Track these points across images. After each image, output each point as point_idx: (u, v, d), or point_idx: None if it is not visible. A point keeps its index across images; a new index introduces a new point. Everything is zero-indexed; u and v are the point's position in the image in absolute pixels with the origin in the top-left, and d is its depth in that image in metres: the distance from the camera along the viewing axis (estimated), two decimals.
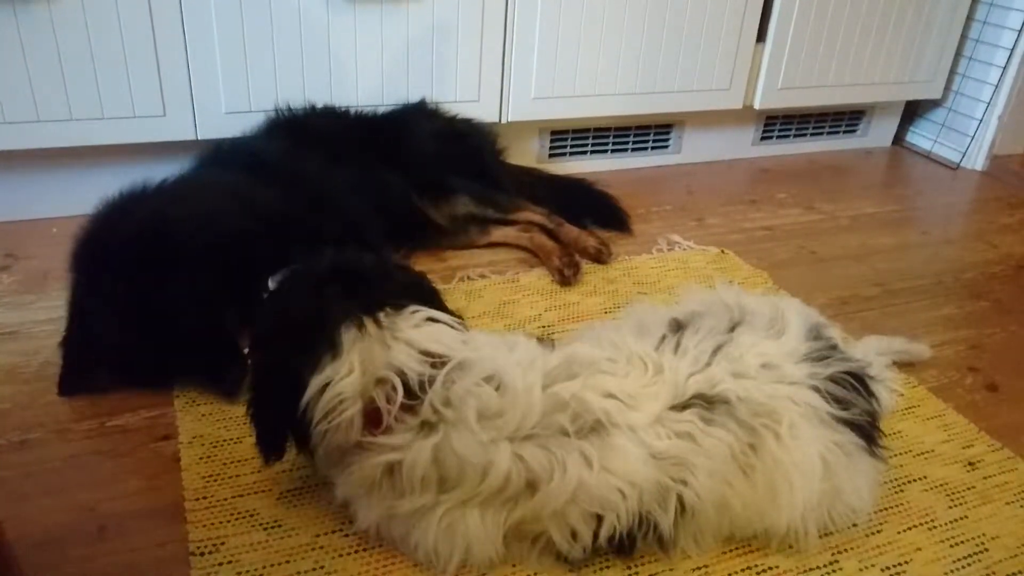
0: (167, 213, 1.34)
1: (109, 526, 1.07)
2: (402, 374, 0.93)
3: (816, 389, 1.04)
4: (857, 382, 1.09)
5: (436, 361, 0.95)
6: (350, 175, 1.63)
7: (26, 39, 1.62)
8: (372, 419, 0.94)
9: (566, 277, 1.69)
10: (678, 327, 1.11)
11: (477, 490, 0.94)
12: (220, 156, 1.61)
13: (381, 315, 0.95)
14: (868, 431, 1.07)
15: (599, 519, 0.96)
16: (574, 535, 0.97)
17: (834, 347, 1.11)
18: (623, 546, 1.00)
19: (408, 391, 0.93)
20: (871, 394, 1.10)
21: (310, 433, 0.94)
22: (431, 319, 0.98)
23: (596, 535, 0.97)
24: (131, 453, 1.20)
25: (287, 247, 1.38)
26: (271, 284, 1.05)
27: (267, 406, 0.99)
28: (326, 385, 0.92)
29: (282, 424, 0.98)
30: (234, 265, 1.30)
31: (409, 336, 0.95)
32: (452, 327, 1.00)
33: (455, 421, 0.93)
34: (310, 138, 1.69)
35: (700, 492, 0.97)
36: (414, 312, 0.98)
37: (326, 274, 0.99)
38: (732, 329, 1.10)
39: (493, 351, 1.00)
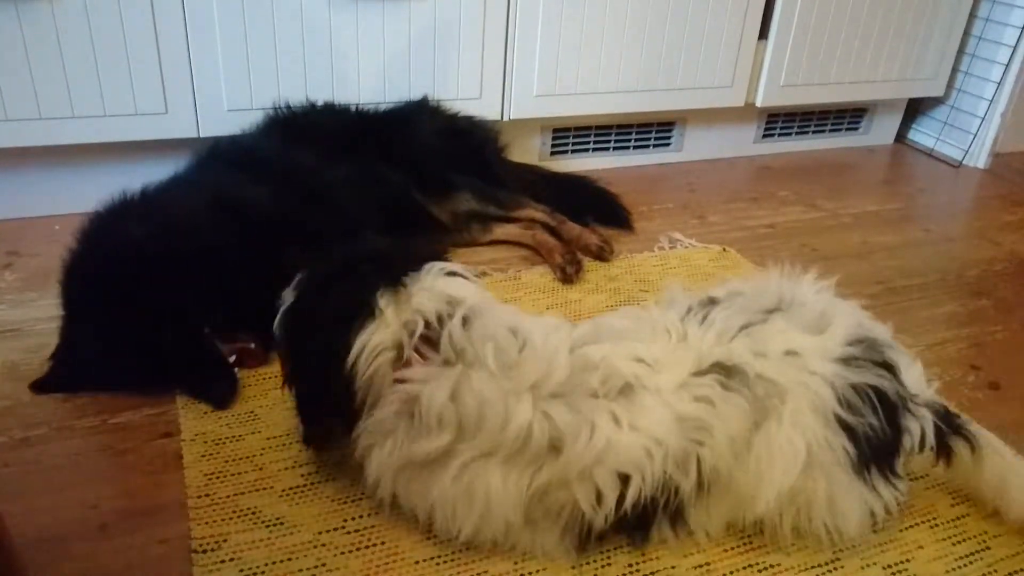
0: (134, 235, 1.32)
1: (111, 523, 1.07)
2: (423, 315, 0.98)
3: (832, 387, 1.02)
4: (880, 401, 1.03)
5: (455, 304, 1.01)
6: (350, 172, 1.63)
7: (28, 36, 1.62)
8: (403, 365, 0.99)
9: (568, 275, 1.69)
10: (711, 302, 1.12)
11: (498, 440, 0.94)
12: (217, 154, 1.61)
13: (405, 278, 1.02)
14: (870, 450, 1.02)
15: (625, 481, 0.97)
16: (599, 498, 0.97)
17: (881, 363, 1.06)
18: (644, 516, 1.00)
19: (429, 329, 0.98)
20: (893, 420, 1.04)
21: (355, 391, 0.99)
22: (450, 273, 1.05)
23: (621, 499, 0.97)
24: (133, 450, 1.20)
25: (282, 245, 1.39)
26: (290, 290, 1.08)
27: (315, 382, 1.04)
28: (366, 344, 0.98)
29: (328, 399, 1.03)
30: (209, 277, 1.30)
31: (429, 284, 1.02)
32: (469, 279, 1.07)
33: (473, 360, 0.96)
34: (309, 135, 1.69)
35: (717, 455, 0.99)
36: (433, 267, 1.04)
37: (353, 257, 1.06)
38: (769, 313, 1.09)
39: (515, 312, 1.06)
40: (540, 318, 1.07)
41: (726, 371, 1.02)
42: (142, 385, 1.29)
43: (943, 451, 1.10)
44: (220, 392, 1.28)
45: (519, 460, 0.95)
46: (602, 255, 1.78)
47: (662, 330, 1.07)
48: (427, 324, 0.98)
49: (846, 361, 1.04)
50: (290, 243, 1.41)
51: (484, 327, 0.99)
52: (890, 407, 1.04)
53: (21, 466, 1.16)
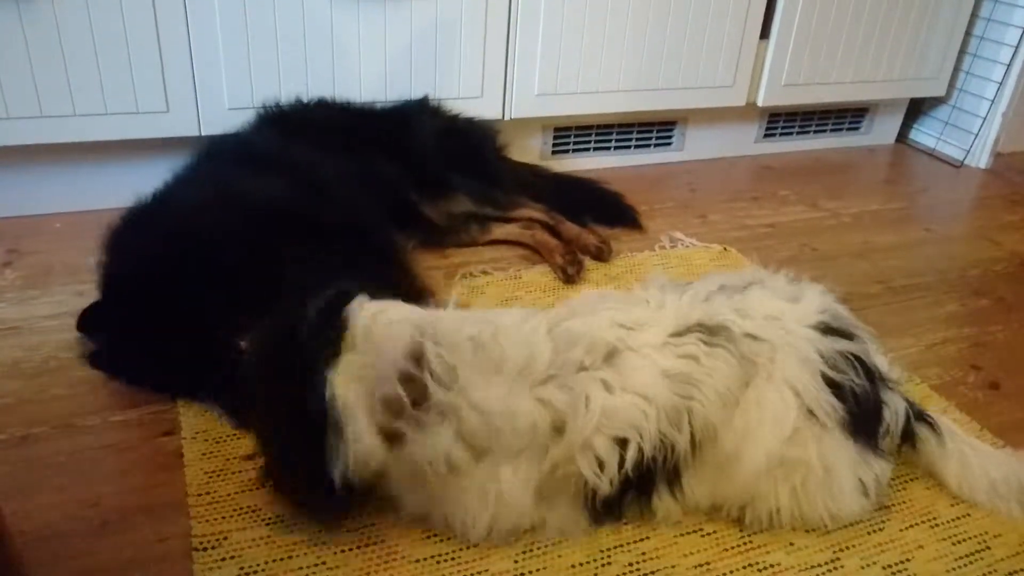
0: (153, 247, 1.34)
1: (112, 521, 1.07)
2: (398, 377, 0.94)
3: (817, 348, 1.05)
4: (860, 365, 1.07)
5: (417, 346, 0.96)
6: (350, 166, 1.63)
7: (29, 34, 1.63)
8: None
9: (569, 275, 1.69)
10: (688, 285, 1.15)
11: (511, 444, 0.95)
12: (218, 151, 1.60)
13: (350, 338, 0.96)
14: (858, 410, 1.05)
15: (624, 445, 0.98)
16: (601, 466, 0.98)
17: (848, 335, 1.10)
18: (646, 479, 1.01)
19: (409, 387, 0.94)
20: (874, 386, 1.08)
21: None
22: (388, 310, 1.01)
23: (622, 462, 0.98)
24: (134, 448, 1.20)
25: (289, 240, 1.39)
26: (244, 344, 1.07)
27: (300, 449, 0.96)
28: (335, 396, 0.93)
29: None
30: (226, 276, 1.29)
31: (378, 332, 0.97)
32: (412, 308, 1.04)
33: (463, 388, 0.95)
34: (305, 132, 1.69)
35: (707, 408, 1.00)
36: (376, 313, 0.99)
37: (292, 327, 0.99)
38: (745, 287, 1.13)
39: (476, 315, 1.06)
40: (507, 310, 1.09)
41: (708, 330, 1.04)
42: (173, 390, 1.30)
43: (908, 436, 1.15)
44: (224, 390, 1.25)
45: (529, 453, 0.96)
46: (600, 255, 1.78)
47: (641, 300, 1.10)
48: (403, 377, 0.94)
49: (821, 329, 1.08)
50: (296, 238, 1.42)
51: (452, 347, 0.96)
52: (870, 373, 1.08)
53: (22, 464, 1.16)
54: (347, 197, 1.57)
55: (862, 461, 1.06)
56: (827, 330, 1.09)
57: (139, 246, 1.34)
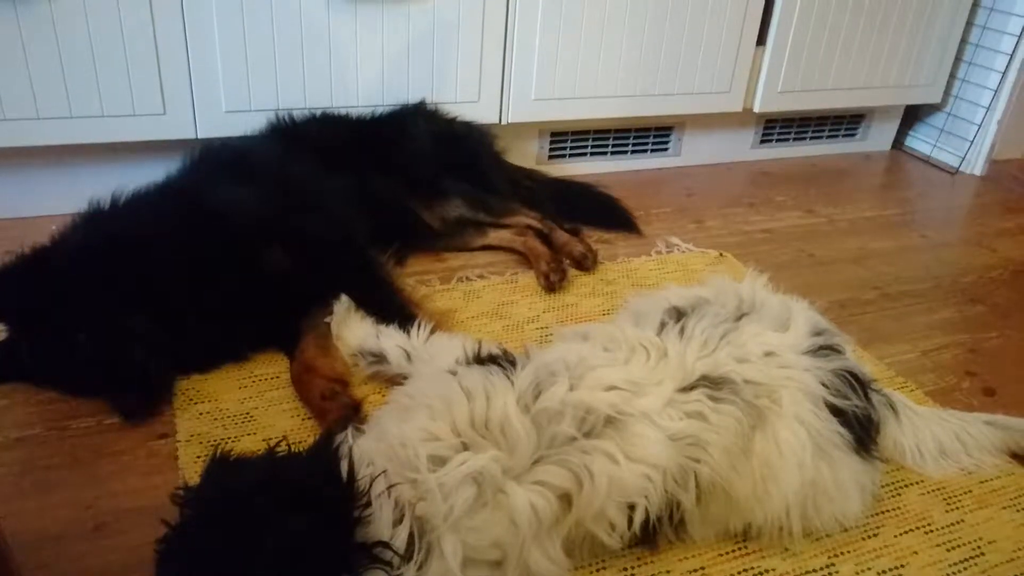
0: (83, 236, 1.35)
1: (107, 523, 1.07)
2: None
3: (815, 377, 1.06)
4: (856, 381, 1.10)
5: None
6: (340, 177, 1.63)
7: (27, 36, 1.62)
8: None
9: (551, 282, 1.68)
10: (679, 314, 1.13)
11: (519, 539, 0.90)
12: (204, 158, 1.61)
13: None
14: (860, 429, 1.08)
15: (632, 507, 0.97)
16: (612, 527, 0.97)
17: (837, 350, 1.13)
18: (652, 531, 1.00)
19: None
20: (867, 396, 1.12)
21: None
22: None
23: (630, 522, 0.97)
24: (129, 451, 1.20)
25: (263, 247, 1.40)
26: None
27: None
28: None
29: None
30: (154, 275, 1.31)
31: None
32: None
33: (451, 516, 0.86)
34: (307, 141, 1.70)
35: (715, 469, 0.99)
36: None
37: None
38: (738, 319, 1.12)
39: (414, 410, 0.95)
40: (452, 383, 0.98)
41: (714, 383, 1.02)
42: (65, 387, 1.29)
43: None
44: (129, 403, 1.25)
45: (542, 533, 0.92)
46: (583, 263, 1.77)
47: (639, 348, 1.06)
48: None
49: (814, 352, 1.10)
50: (273, 246, 1.42)
51: (429, 493, 0.86)
52: (863, 385, 1.12)
53: (16, 466, 1.15)
54: (332, 209, 1.58)
55: (864, 470, 1.08)
56: (820, 351, 1.10)
57: (65, 240, 1.34)
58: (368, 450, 0.91)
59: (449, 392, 0.97)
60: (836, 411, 1.06)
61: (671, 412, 0.99)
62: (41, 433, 1.22)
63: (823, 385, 1.06)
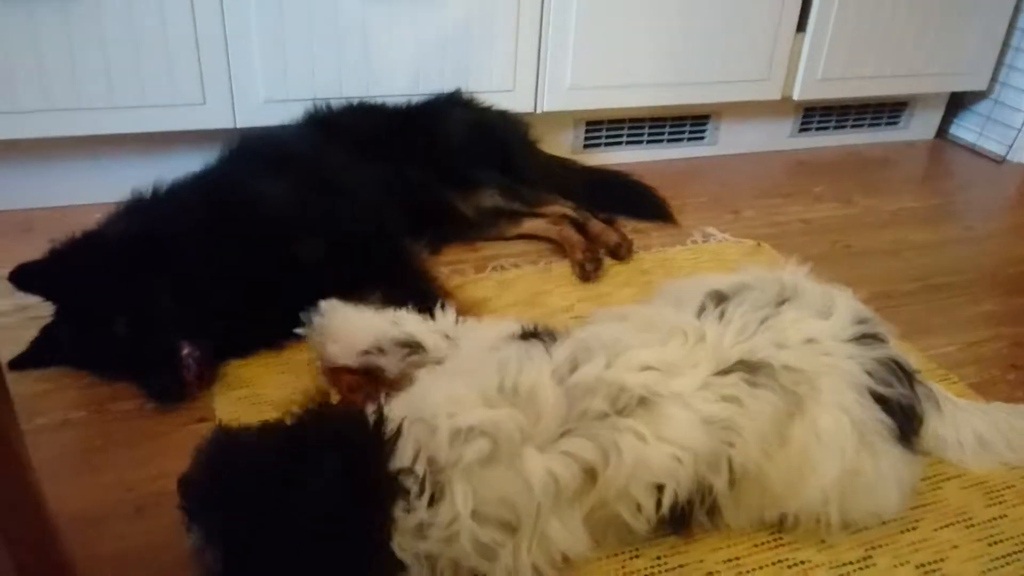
0: (118, 227, 1.38)
1: (148, 505, 1.09)
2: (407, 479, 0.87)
3: (858, 364, 1.04)
4: (900, 370, 1.08)
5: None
6: (375, 166, 1.64)
7: (72, 27, 1.66)
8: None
9: (586, 272, 1.68)
10: (720, 298, 1.12)
11: (538, 507, 0.90)
12: (245, 148, 1.63)
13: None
14: (903, 419, 1.05)
15: (660, 488, 0.96)
16: (639, 508, 0.96)
17: (880, 339, 1.10)
18: (683, 515, 0.99)
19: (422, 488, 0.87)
20: (912, 387, 1.09)
21: None
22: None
23: (659, 504, 0.96)
24: (168, 435, 1.22)
25: (295, 239, 1.41)
26: None
27: None
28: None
29: None
30: (188, 266, 1.32)
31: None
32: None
33: (463, 467, 0.87)
34: (341, 130, 1.71)
35: (748, 454, 0.97)
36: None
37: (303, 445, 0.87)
38: (779, 304, 1.10)
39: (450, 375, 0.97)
40: (490, 359, 0.99)
41: (750, 368, 1.01)
42: (100, 369, 1.32)
43: None
44: (158, 386, 1.27)
45: (562, 503, 0.92)
46: (618, 252, 1.76)
47: (677, 332, 1.04)
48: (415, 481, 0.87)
49: (857, 340, 1.07)
50: (307, 236, 1.43)
51: (441, 448, 0.88)
52: (908, 374, 1.09)
53: (61, 448, 1.19)
54: (366, 199, 1.58)
55: (905, 463, 1.06)
56: (863, 339, 1.07)
57: (104, 228, 1.37)
58: (395, 406, 0.94)
59: (484, 361, 0.98)
60: (880, 399, 1.04)
61: (706, 395, 0.98)
62: (84, 416, 1.25)
63: (867, 373, 1.04)
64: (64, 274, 1.29)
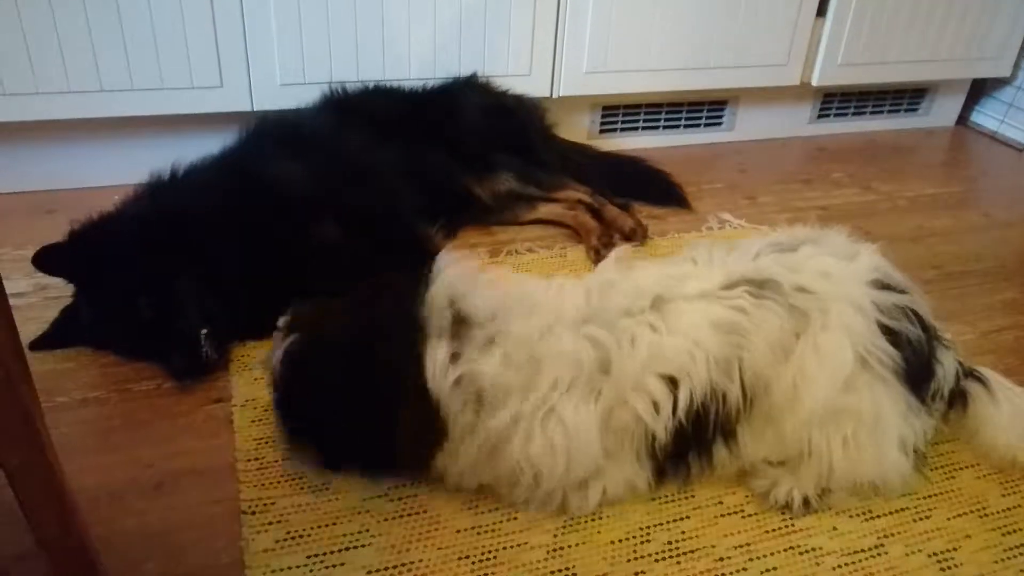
0: (139, 208, 1.39)
1: (166, 482, 1.11)
2: (451, 303, 1.01)
3: (872, 300, 1.04)
4: (917, 318, 1.07)
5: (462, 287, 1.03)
6: (392, 150, 1.65)
7: (90, 10, 1.66)
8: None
9: (601, 257, 1.67)
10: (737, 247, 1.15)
11: (556, 372, 0.97)
12: (262, 130, 1.63)
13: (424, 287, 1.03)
14: (913, 357, 1.04)
15: (675, 385, 0.99)
16: (656, 405, 0.99)
17: (904, 291, 1.09)
18: (699, 427, 1.01)
19: (462, 322, 1.00)
20: (930, 340, 1.08)
21: (436, 412, 0.98)
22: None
23: (675, 405, 0.99)
24: (187, 414, 1.24)
25: (315, 220, 1.42)
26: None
27: (365, 413, 1.00)
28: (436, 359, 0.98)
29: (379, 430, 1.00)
30: (207, 245, 1.34)
31: (445, 288, 1.03)
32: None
33: (503, 326, 0.99)
34: (357, 113, 1.71)
35: (756, 360, 1.00)
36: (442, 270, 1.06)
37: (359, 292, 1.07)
38: (798, 245, 1.11)
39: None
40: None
41: (756, 284, 1.04)
42: (124, 351, 1.33)
43: (957, 396, 1.15)
44: (182, 362, 1.28)
45: (579, 388, 0.98)
46: (633, 238, 1.75)
47: (686, 260, 1.11)
48: (456, 313, 1.00)
49: (877, 285, 1.07)
50: (325, 219, 1.44)
51: (488, 298, 1.02)
52: (925, 325, 1.08)
53: (80, 426, 1.20)
54: (383, 183, 1.59)
55: (910, 414, 1.05)
56: (882, 286, 1.07)
57: (124, 210, 1.38)
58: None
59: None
60: (888, 331, 1.03)
61: (713, 303, 1.02)
62: (104, 395, 1.27)
63: (877, 307, 1.04)
64: (85, 256, 1.30)
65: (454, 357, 0.97)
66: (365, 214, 1.50)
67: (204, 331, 1.28)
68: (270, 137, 1.61)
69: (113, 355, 1.34)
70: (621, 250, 1.15)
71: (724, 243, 1.16)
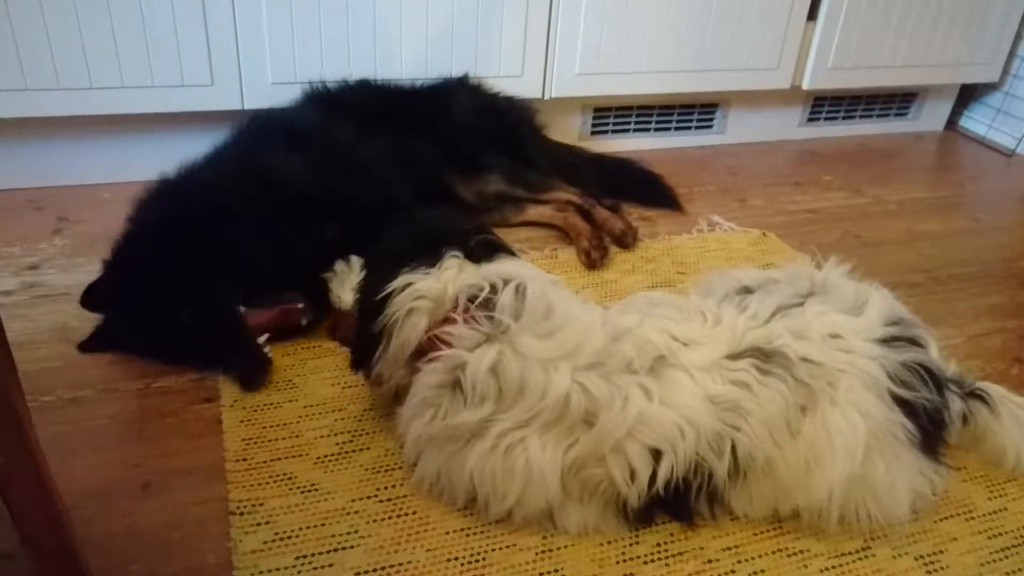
0: (164, 214, 1.37)
1: (153, 483, 1.10)
2: (489, 283, 1.04)
3: (881, 366, 1.02)
4: (929, 376, 1.05)
5: (510, 278, 1.05)
6: (384, 146, 1.64)
7: (80, 7, 1.65)
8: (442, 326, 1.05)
9: (592, 259, 1.68)
10: (746, 291, 1.13)
11: (537, 408, 0.96)
12: (257, 127, 1.63)
13: (480, 256, 1.10)
14: (928, 423, 1.03)
15: (657, 458, 0.97)
16: (632, 474, 0.97)
17: (916, 343, 1.08)
18: (678, 495, 0.99)
19: (484, 304, 1.02)
20: (942, 394, 1.06)
21: (378, 324, 1.06)
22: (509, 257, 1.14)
23: (654, 477, 0.97)
24: (175, 414, 1.23)
25: (319, 217, 1.42)
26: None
27: (361, 309, 1.11)
28: (409, 284, 1.05)
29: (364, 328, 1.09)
30: (240, 250, 1.32)
31: (492, 267, 1.07)
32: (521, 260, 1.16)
33: (517, 332, 0.99)
34: (346, 110, 1.71)
35: (753, 440, 0.98)
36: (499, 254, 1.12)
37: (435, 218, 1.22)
38: (805, 298, 1.10)
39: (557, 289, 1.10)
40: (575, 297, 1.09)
41: (764, 355, 1.01)
42: (174, 359, 1.32)
43: (960, 417, 1.15)
44: (247, 373, 1.28)
45: (556, 429, 0.97)
46: (624, 240, 1.76)
47: (696, 313, 1.07)
48: (491, 291, 1.03)
49: (887, 341, 1.05)
50: (327, 215, 1.43)
51: (533, 297, 1.02)
52: (938, 382, 1.06)
53: (68, 425, 1.20)
54: (378, 176, 1.58)
55: (924, 473, 1.04)
56: (893, 341, 1.05)
57: (149, 221, 1.36)
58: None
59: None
60: (901, 402, 1.01)
61: (715, 376, 0.99)
62: (91, 394, 1.26)
63: (888, 375, 1.01)
64: (125, 287, 1.28)
65: (439, 311, 1.03)
66: (363, 206, 1.50)
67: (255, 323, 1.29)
68: (267, 133, 1.60)
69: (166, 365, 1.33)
70: (655, 296, 1.13)
71: (735, 283, 1.15)
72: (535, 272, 1.09)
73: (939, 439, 1.07)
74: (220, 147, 1.55)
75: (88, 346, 1.31)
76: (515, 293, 1.02)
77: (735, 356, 1.01)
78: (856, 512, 1.03)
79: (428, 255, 1.07)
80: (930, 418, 1.03)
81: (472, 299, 1.03)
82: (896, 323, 1.09)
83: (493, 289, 1.03)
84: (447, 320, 1.03)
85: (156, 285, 1.27)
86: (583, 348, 0.99)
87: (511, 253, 1.16)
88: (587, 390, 0.96)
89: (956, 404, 1.12)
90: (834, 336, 1.04)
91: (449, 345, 1.01)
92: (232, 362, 1.29)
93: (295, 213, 1.41)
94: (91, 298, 1.28)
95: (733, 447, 0.98)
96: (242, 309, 1.32)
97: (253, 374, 1.28)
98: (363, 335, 1.10)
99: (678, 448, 0.96)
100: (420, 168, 1.68)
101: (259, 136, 1.59)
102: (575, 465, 0.98)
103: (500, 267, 1.08)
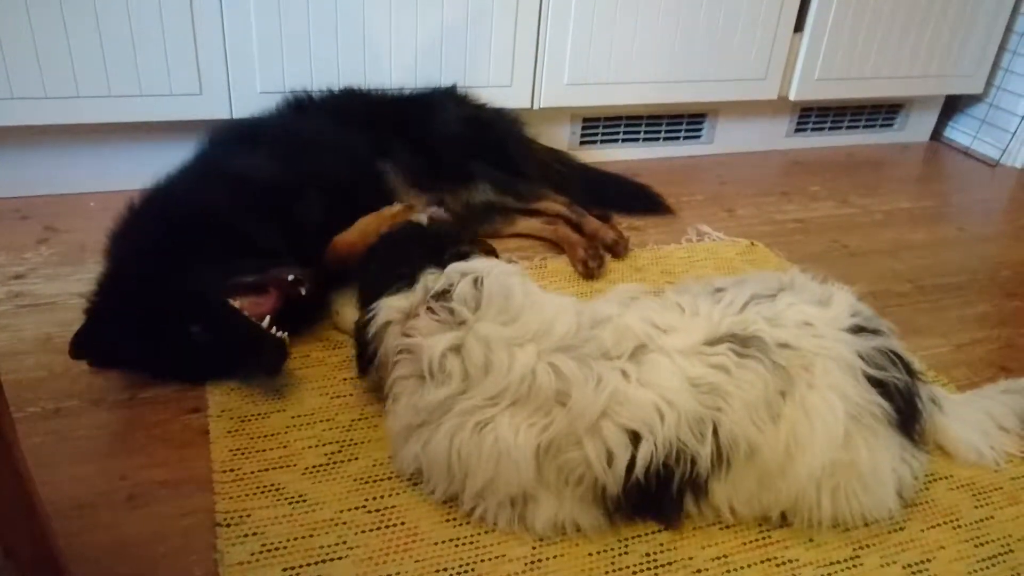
0: (143, 228, 1.36)
1: (139, 494, 1.09)
2: (447, 280, 1.08)
3: (854, 349, 1.05)
4: (899, 360, 1.08)
5: (472, 272, 1.09)
6: (355, 145, 1.64)
7: (68, 15, 1.65)
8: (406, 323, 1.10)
9: (590, 269, 1.68)
10: (720, 290, 1.15)
11: (503, 384, 0.97)
12: (226, 133, 1.62)
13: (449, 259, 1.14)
14: (903, 404, 1.06)
15: (636, 442, 0.97)
16: (610, 458, 0.97)
17: (880, 332, 1.11)
18: (660, 484, 0.99)
19: (448, 290, 1.07)
20: (914, 380, 1.10)
21: (367, 342, 1.12)
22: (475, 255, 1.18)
23: (633, 462, 0.97)
24: (161, 424, 1.22)
25: (290, 203, 1.42)
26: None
27: (360, 331, 1.16)
28: (389, 305, 1.11)
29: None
30: (220, 246, 1.31)
31: (454, 265, 1.11)
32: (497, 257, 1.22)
33: (478, 320, 1.03)
34: (322, 111, 1.72)
35: (735, 422, 0.99)
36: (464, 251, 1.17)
37: (415, 235, 1.26)
38: (776, 292, 1.13)
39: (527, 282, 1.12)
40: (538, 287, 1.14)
41: (741, 340, 1.03)
42: (193, 376, 1.30)
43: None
44: (266, 359, 1.25)
45: (527, 406, 0.97)
46: (615, 250, 1.76)
47: (674, 305, 1.10)
48: (448, 284, 1.07)
49: (855, 331, 1.08)
50: (298, 201, 1.44)
51: (491, 286, 1.05)
52: (908, 366, 1.09)
53: (53, 436, 1.18)
54: (344, 153, 1.59)
55: (904, 457, 1.06)
56: (860, 331, 1.09)
57: (125, 257, 1.33)
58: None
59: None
60: (876, 382, 1.04)
61: (694, 360, 1.01)
62: (76, 405, 1.25)
63: (861, 357, 1.04)
64: (121, 326, 1.25)
65: (411, 315, 1.08)
66: (345, 188, 1.53)
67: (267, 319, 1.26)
68: (233, 139, 1.60)
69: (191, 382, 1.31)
70: (634, 288, 1.16)
71: (708, 286, 1.16)
72: (496, 265, 1.12)
73: (914, 420, 1.09)
74: (187, 162, 1.52)
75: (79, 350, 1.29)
76: (473, 284, 1.05)
77: (713, 342, 1.03)
78: (846, 500, 1.04)
79: (406, 276, 1.12)
80: (904, 399, 1.06)
81: (435, 296, 1.07)
82: (860, 314, 1.12)
83: (450, 283, 1.07)
84: (411, 316, 1.08)
85: (147, 321, 1.24)
86: (551, 332, 1.01)
87: (493, 255, 1.20)
88: (558, 370, 0.98)
89: (925, 392, 1.15)
90: (806, 323, 1.07)
91: (413, 337, 1.06)
92: (250, 359, 1.26)
93: (266, 203, 1.40)
94: (79, 347, 1.26)
95: (715, 431, 0.99)
96: (238, 304, 1.27)
97: (272, 359, 1.25)
98: (359, 349, 1.16)
99: (657, 431, 0.96)
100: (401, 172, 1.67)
101: (225, 143, 1.58)
102: (551, 448, 0.98)
103: (461, 264, 1.11)
